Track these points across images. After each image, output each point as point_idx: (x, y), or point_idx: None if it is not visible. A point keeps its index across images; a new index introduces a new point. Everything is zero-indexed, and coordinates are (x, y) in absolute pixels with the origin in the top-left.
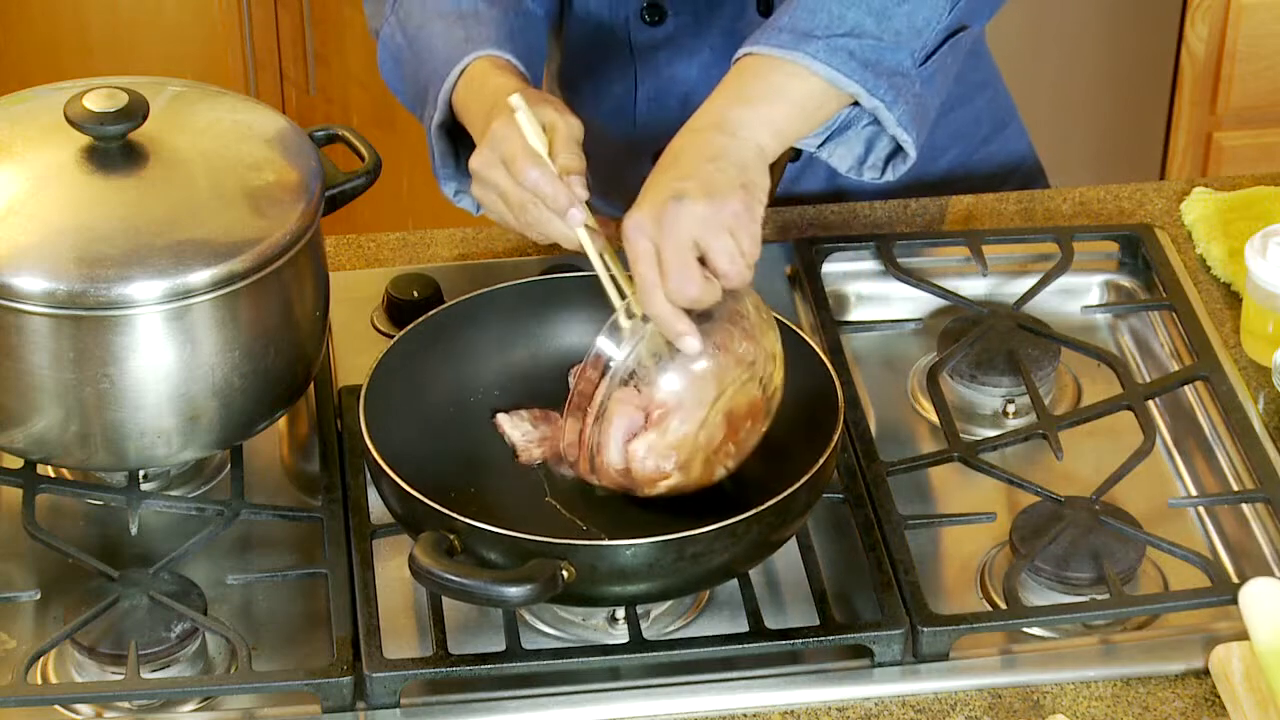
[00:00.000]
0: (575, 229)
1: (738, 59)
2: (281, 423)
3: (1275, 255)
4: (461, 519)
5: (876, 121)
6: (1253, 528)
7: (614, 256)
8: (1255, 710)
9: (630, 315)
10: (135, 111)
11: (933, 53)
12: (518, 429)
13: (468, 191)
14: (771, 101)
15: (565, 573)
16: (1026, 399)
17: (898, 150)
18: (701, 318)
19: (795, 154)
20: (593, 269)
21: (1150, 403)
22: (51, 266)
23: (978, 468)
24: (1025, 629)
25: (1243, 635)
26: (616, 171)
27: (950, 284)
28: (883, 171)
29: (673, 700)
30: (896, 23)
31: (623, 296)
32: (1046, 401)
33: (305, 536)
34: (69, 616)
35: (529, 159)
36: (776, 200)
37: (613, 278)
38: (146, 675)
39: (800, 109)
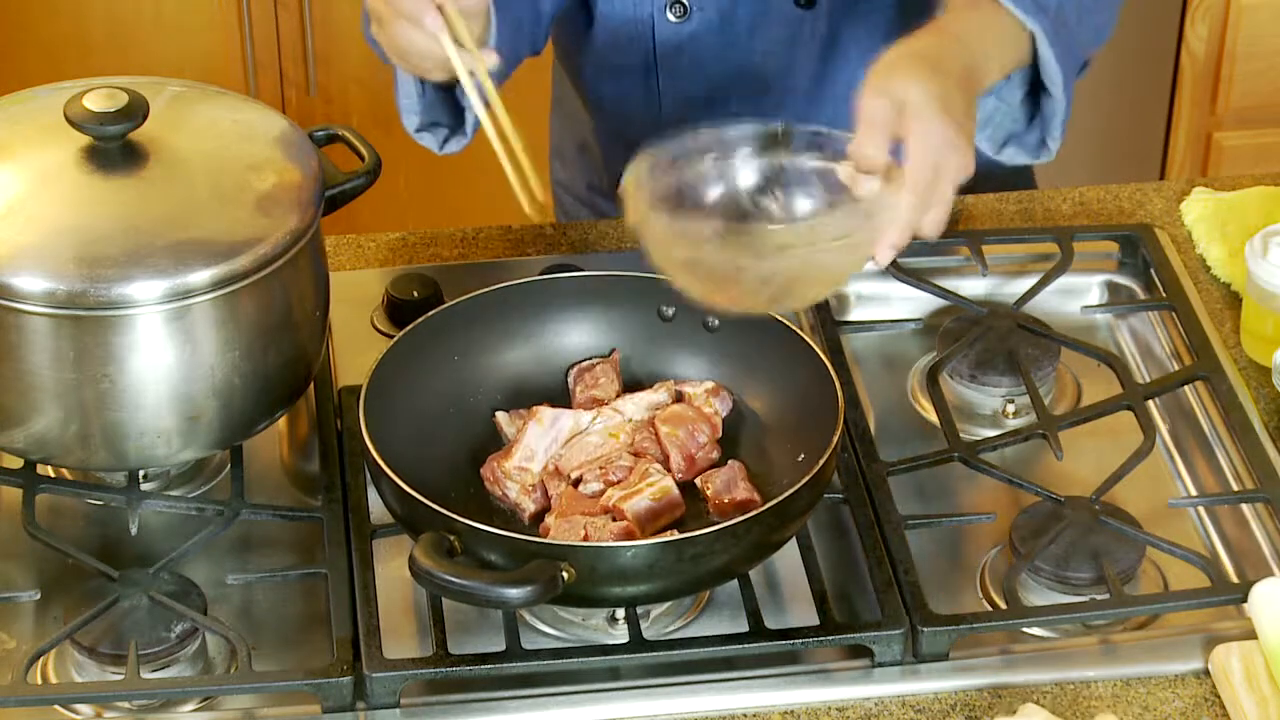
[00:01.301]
0: (437, 35)
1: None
2: (281, 423)
3: (1275, 255)
4: (461, 520)
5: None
6: (1253, 528)
7: (485, 74)
8: (1255, 710)
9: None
10: (135, 111)
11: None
12: (517, 428)
13: (429, 129)
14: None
15: (565, 574)
16: (1026, 399)
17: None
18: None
19: None
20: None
21: (1150, 403)
22: (51, 266)
23: (978, 468)
24: (1025, 629)
25: (1243, 635)
26: None
27: (950, 284)
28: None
29: (673, 700)
30: (1082, 34)
31: (486, 105)
32: (1046, 401)
33: (305, 536)
34: (69, 616)
35: None
36: None
37: (481, 93)
38: (146, 675)
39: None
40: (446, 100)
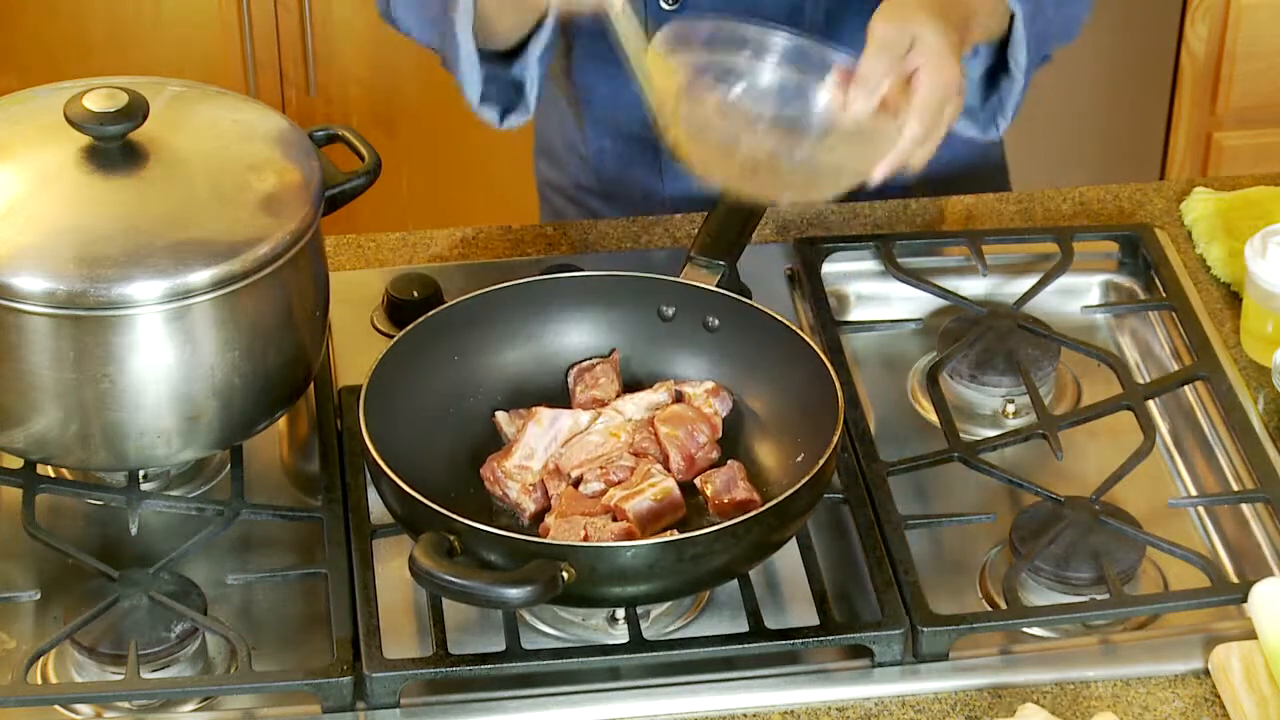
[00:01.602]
0: None
1: None
2: (281, 423)
3: (1275, 255)
4: (461, 520)
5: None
6: (1253, 528)
7: (622, 10)
8: (1255, 710)
9: None
10: (135, 111)
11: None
12: (517, 428)
13: (488, 103)
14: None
15: (565, 574)
16: (1026, 399)
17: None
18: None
19: None
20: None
21: (1150, 403)
22: (51, 266)
23: (978, 468)
24: (1025, 629)
25: (1243, 635)
26: (631, 170)
27: (950, 284)
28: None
29: (673, 700)
30: (1057, 24)
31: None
32: (1046, 401)
33: (305, 536)
34: (69, 616)
35: None
36: None
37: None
38: (146, 675)
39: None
40: (504, 76)
